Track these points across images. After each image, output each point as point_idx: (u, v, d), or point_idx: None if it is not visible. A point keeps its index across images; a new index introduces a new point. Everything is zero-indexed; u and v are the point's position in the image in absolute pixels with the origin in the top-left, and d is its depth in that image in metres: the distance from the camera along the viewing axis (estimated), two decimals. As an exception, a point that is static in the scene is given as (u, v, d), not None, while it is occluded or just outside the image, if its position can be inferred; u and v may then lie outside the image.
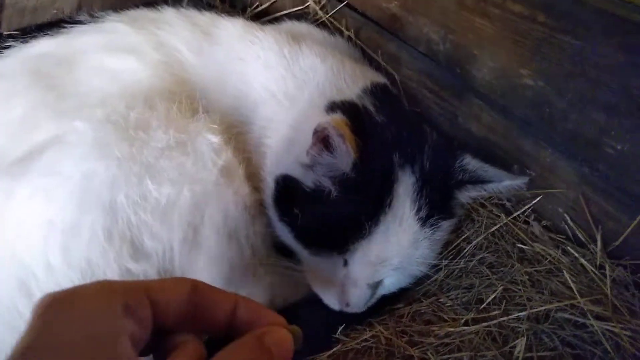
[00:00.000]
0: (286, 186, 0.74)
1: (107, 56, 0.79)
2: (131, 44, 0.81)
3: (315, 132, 0.68)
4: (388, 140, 0.75)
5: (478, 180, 0.76)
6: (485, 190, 0.78)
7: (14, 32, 1.03)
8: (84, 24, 0.86)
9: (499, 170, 0.78)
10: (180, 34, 0.85)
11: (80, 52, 0.79)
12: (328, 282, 0.76)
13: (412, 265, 0.77)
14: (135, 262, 0.63)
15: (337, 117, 0.73)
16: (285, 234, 0.76)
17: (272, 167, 0.78)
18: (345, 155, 0.68)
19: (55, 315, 0.33)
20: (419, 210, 0.73)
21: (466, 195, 0.79)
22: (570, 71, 0.75)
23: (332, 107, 0.77)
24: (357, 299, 0.75)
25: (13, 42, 0.80)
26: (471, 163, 0.78)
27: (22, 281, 0.60)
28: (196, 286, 0.41)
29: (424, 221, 0.74)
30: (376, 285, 0.77)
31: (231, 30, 0.90)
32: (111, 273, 0.62)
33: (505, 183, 0.76)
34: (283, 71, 0.85)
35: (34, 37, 0.82)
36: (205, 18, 0.91)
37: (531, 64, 0.80)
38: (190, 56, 0.84)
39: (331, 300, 0.76)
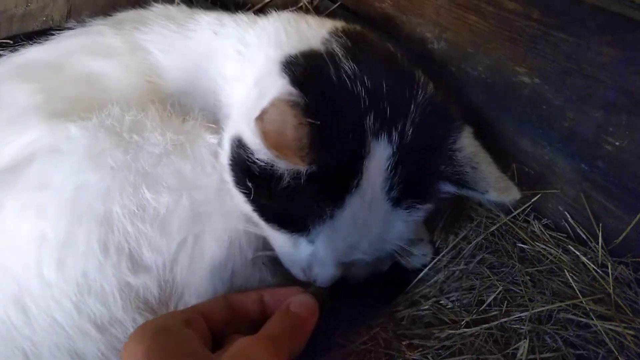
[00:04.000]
0: (239, 152, 0.65)
1: (91, 59, 0.77)
2: (111, 47, 0.80)
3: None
4: (359, 99, 0.62)
5: (459, 182, 0.65)
6: (464, 194, 0.68)
7: (4, 41, 1.01)
8: (72, 29, 0.84)
9: (491, 175, 0.65)
10: (155, 34, 0.83)
11: (66, 55, 0.78)
12: (294, 256, 0.70)
13: (384, 246, 0.69)
14: (135, 275, 0.62)
15: (277, 102, 0.60)
16: (242, 203, 0.68)
17: (231, 126, 0.70)
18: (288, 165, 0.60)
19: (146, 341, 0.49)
20: (390, 189, 0.64)
21: (443, 189, 0.67)
22: (566, 68, 0.74)
23: (287, 65, 0.65)
24: (324, 277, 0.69)
25: (1, 52, 0.79)
26: (464, 151, 0.65)
27: (16, 295, 0.59)
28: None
29: (396, 202, 0.65)
30: (346, 265, 0.72)
31: (201, 24, 0.85)
32: (109, 287, 0.61)
33: (489, 197, 0.64)
34: (235, 48, 0.79)
35: (23, 45, 0.81)
36: (183, 14, 0.88)
37: (527, 61, 0.80)
38: (161, 58, 0.81)
39: (297, 272, 0.71)
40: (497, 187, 0.64)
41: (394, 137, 0.63)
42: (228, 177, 0.68)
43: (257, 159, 0.62)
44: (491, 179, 0.64)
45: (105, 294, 0.61)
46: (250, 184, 0.64)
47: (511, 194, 0.65)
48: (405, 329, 0.75)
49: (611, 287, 0.68)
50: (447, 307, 0.77)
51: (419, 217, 0.69)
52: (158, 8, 0.88)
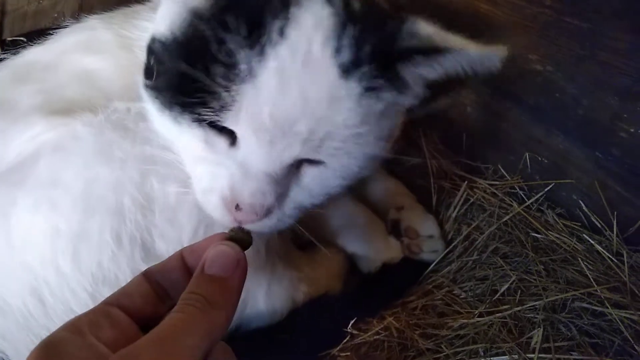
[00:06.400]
0: (150, 50, 0.59)
1: (85, 56, 0.77)
2: (103, 42, 0.79)
3: None
4: None
5: (431, 49, 0.51)
6: (441, 66, 0.52)
7: (17, 38, 1.03)
8: (68, 27, 0.84)
9: (465, 39, 0.52)
10: (139, 31, 0.79)
11: (62, 54, 0.78)
12: (211, 177, 0.56)
13: (334, 142, 0.52)
14: (148, 264, 0.63)
15: None
16: (153, 110, 0.59)
17: None
18: None
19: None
20: (338, 50, 0.51)
21: (415, 73, 0.54)
22: (580, 55, 0.74)
23: None
24: (250, 194, 0.53)
25: (5, 55, 0.80)
26: (427, 28, 0.53)
27: (33, 287, 0.60)
28: (145, 272, 0.48)
29: (347, 70, 0.51)
30: (284, 179, 0.55)
31: None
32: (123, 276, 0.62)
33: (471, 51, 0.51)
34: None
35: (27, 46, 0.82)
36: None
37: (540, 49, 0.79)
38: (143, 57, 0.80)
39: (214, 203, 0.56)
40: (475, 45, 0.52)
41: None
42: (141, 89, 0.61)
43: (160, 34, 0.56)
44: (467, 40, 0.52)
45: (119, 283, 0.61)
46: (152, 63, 0.57)
47: (494, 46, 0.53)
48: (418, 318, 0.75)
49: (626, 275, 0.68)
50: (460, 297, 0.77)
51: (381, 110, 0.54)
52: (151, 2, 0.87)
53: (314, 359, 0.70)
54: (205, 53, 0.50)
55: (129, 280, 0.61)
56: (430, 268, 0.83)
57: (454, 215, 0.87)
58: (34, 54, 0.80)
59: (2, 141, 0.66)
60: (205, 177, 0.57)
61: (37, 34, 0.84)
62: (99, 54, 0.77)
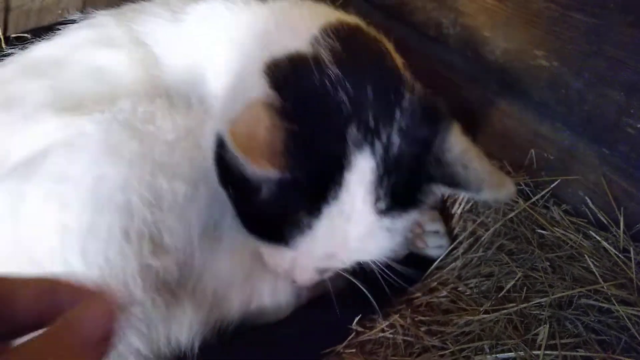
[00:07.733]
0: (220, 152, 0.63)
1: (96, 52, 0.77)
2: (114, 39, 0.79)
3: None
4: (342, 108, 0.60)
5: (451, 184, 0.61)
6: (457, 194, 0.65)
7: (21, 35, 1.03)
8: (77, 22, 0.84)
9: (483, 172, 0.60)
10: (151, 25, 0.81)
11: (72, 50, 0.78)
12: (278, 260, 0.68)
13: (366, 258, 0.66)
14: (156, 258, 0.63)
15: (252, 104, 0.58)
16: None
17: (216, 120, 0.67)
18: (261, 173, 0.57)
19: None
20: (377, 200, 0.61)
21: (436, 190, 0.64)
22: (586, 50, 0.73)
23: (271, 67, 0.62)
24: (304, 281, 0.68)
25: (13, 50, 0.80)
26: (453, 150, 0.61)
27: None
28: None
29: (382, 213, 0.61)
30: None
31: (195, 10, 0.81)
32: (130, 269, 0.62)
33: (483, 195, 0.60)
34: (224, 38, 0.75)
35: (32, 42, 0.82)
36: (180, 1, 0.84)
37: (545, 44, 0.78)
38: (157, 50, 0.80)
39: (280, 272, 0.70)
40: (490, 184, 0.60)
41: (377, 149, 0.60)
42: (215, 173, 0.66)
43: (234, 162, 0.58)
44: (484, 176, 0.60)
45: (126, 276, 0.62)
46: (229, 188, 0.63)
47: (505, 188, 0.61)
48: (423, 315, 0.75)
49: (633, 272, 0.67)
50: (466, 293, 0.77)
51: (407, 222, 0.65)
52: None
53: (319, 356, 0.70)
54: (277, 214, 0.61)
55: (135, 272, 0.62)
56: (435, 264, 0.83)
57: (459, 211, 0.87)
58: (43, 49, 0.80)
59: (12, 137, 0.66)
60: (274, 258, 0.69)
61: (42, 31, 0.84)
62: (111, 48, 0.77)
